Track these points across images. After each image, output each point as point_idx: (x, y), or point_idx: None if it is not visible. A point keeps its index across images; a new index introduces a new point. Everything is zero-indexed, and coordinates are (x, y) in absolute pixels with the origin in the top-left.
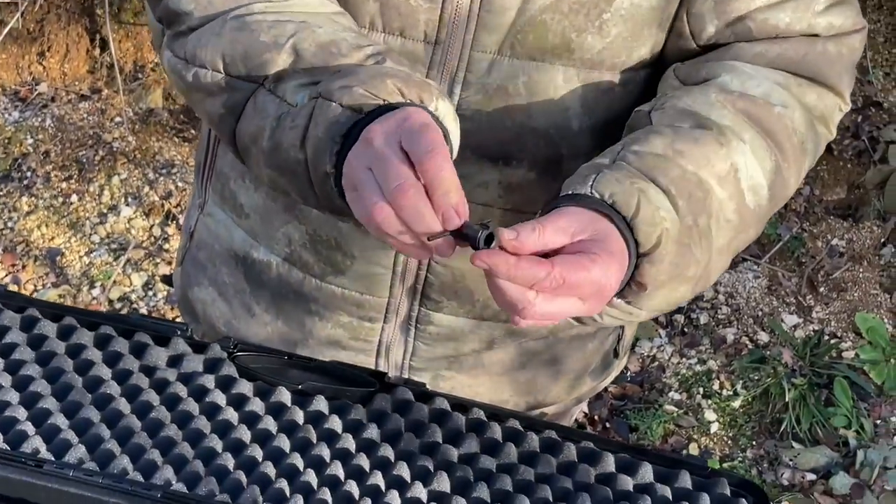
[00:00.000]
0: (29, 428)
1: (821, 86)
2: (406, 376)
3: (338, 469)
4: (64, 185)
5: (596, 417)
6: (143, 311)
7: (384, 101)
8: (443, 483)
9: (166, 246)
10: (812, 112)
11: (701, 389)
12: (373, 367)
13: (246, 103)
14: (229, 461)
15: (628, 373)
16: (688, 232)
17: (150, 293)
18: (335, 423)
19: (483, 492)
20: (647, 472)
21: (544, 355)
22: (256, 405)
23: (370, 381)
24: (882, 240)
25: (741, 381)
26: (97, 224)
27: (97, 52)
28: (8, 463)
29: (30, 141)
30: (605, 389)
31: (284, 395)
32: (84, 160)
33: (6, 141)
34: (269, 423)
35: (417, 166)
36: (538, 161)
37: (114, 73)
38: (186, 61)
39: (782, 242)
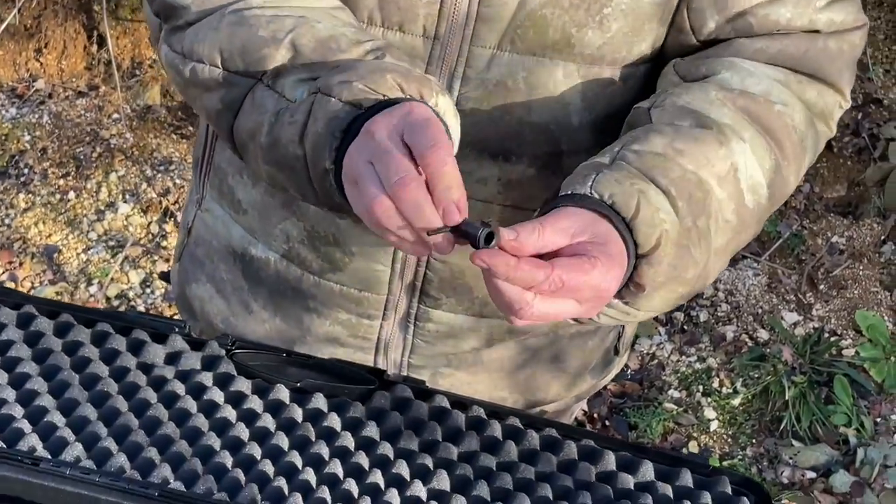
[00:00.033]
0: (25, 426)
1: (821, 83)
2: (405, 374)
3: (337, 467)
4: (61, 181)
5: (595, 415)
6: (141, 308)
7: (384, 96)
8: (442, 481)
9: (164, 243)
10: (812, 109)
11: (700, 387)
12: (371, 364)
13: (244, 99)
14: (227, 459)
15: (628, 370)
16: (687, 233)
17: (148, 290)
18: (334, 421)
19: (483, 490)
20: (648, 471)
21: (545, 353)
22: (255, 403)
23: (369, 379)
24: (882, 237)
25: (741, 379)
26: (94, 221)
27: (94, 48)
28: (4, 461)
29: (27, 138)
30: (605, 387)
31: (283, 393)
32: (81, 157)
33: (3, 138)
34: (268, 421)
35: (420, 160)
36: (538, 157)
37: (111, 70)
38: (184, 56)
39: (782, 240)
